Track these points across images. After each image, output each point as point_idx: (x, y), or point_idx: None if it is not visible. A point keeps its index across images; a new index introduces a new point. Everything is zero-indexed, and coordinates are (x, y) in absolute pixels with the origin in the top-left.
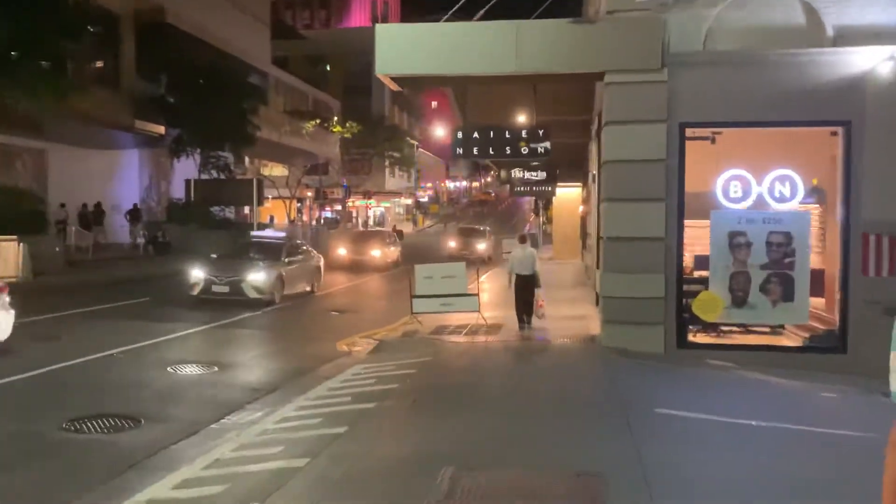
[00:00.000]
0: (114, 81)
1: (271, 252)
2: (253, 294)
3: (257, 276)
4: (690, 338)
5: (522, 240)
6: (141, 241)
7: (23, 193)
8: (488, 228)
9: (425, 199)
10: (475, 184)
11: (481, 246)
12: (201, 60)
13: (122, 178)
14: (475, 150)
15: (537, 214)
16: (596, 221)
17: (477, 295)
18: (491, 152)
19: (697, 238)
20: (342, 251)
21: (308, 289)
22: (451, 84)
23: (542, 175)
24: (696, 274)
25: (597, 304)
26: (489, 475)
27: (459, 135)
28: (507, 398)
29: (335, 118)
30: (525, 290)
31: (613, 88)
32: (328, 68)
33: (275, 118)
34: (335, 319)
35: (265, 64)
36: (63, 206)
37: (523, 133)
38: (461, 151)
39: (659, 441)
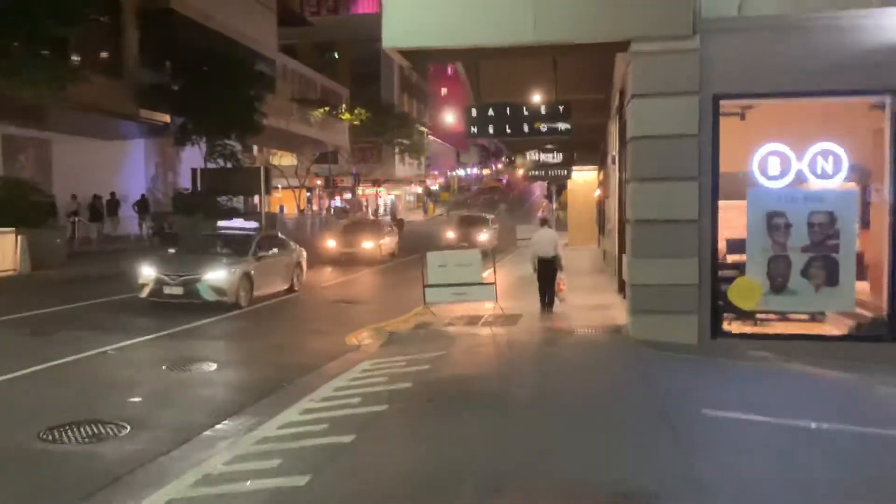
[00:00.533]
0: (117, 69)
1: (239, 246)
2: (211, 296)
3: (217, 275)
4: (725, 327)
5: (543, 222)
6: (149, 232)
7: (24, 185)
8: (492, 216)
9: (436, 187)
10: (486, 171)
11: (483, 236)
12: (206, 47)
13: (128, 169)
14: (490, 129)
15: (550, 200)
16: (617, 204)
17: (494, 284)
18: (508, 131)
19: (728, 220)
20: (332, 243)
21: (285, 287)
22: (463, 58)
23: (558, 157)
24: (730, 259)
25: (619, 291)
26: (519, 498)
27: (473, 112)
28: (533, 400)
29: (343, 106)
30: (547, 273)
31: (641, 59)
32: (336, 56)
33: (283, 106)
34: (322, 322)
35: (272, 51)
36: (75, 197)
37: (542, 110)
38: (475, 130)
39: (712, 451)
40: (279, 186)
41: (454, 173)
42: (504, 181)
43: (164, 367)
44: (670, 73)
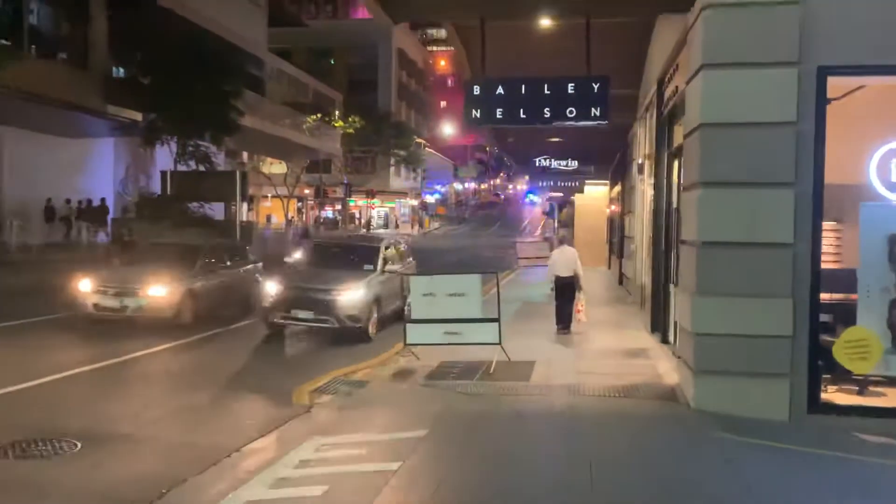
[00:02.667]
0: (81, 59)
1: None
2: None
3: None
4: (824, 395)
5: (563, 241)
6: (105, 239)
7: None
8: (400, 243)
9: (432, 201)
10: (483, 186)
11: (350, 294)
12: (181, 38)
13: (93, 170)
14: (499, 113)
15: (551, 216)
16: (648, 221)
17: (497, 320)
18: (522, 116)
19: (827, 244)
20: (85, 287)
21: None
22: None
23: (572, 164)
24: (827, 297)
25: (653, 330)
26: None
27: (476, 90)
28: None
29: (337, 112)
30: (565, 294)
31: (717, 14)
32: (332, 62)
33: (272, 109)
34: (269, 366)
35: (261, 50)
36: (69, 201)
37: (569, 88)
38: (478, 115)
39: None
40: (269, 195)
41: (449, 185)
42: (502, 196)
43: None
44: (759, 34)
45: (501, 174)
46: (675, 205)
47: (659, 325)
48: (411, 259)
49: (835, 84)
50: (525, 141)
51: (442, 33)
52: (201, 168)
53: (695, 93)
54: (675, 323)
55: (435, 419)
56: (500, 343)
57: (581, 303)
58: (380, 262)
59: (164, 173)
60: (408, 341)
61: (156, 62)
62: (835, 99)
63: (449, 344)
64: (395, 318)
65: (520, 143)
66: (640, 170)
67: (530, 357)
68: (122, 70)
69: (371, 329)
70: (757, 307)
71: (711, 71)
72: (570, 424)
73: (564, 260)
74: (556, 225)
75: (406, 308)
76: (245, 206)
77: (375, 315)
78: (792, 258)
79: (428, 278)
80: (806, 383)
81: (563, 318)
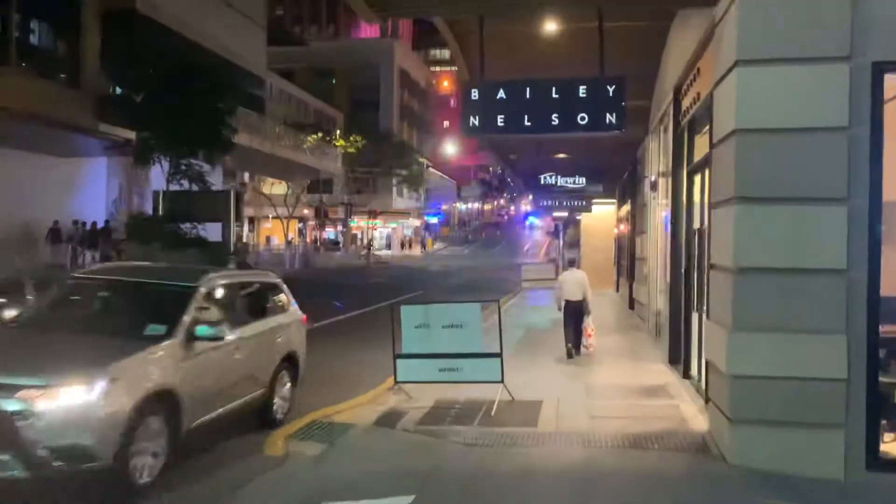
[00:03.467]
0: (73, 77)
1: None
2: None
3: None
4: (884, 448)
5: (571, 263)
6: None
7: None
8: (258, 280)
9: (435, 221)
10: (487, 206)
11: (75, 388)
12: (175, 55)
13: (85, 191)
14: (500, 121)
15: (556, 236)
16: (665, 243)
17: (500, 355)
18: (527, 124)
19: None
20: None
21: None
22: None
23: (580, 182)
24: (886, 330)
25: (672, 363)
26: None
27: (474, 94)
28: None
29: (338, 132)
30: (573, 318)
31: (753, 2)
32: (334, 82)
33: (272, 129)
34: None
35: (260, 69)
36: (76, 223)
37: (580, 91)
38: (476, 122)
39: None
40: (269, 216)
41: (452, 205)
42: (505, 217)
43: None
44: (804, 24)
45: (505, 195)
46: (695, 224)
47: (678, 356)
48: (291, 306)
49: (893, 82)
50: (529, 157)
51: (445, 54)
52: (195, 188)
53: (727, 95)
54: (700, 356)
55: (424, 479)
56: (502, 381)
57: (591, 328)
58: (186, 318)
59: (156, 193)
60: (398, 378)
61: (148, 78)
62: (893, 99)
63: (444, 382)
64: (244, 415)
65: (523, 159)
66: (654, 187)
67: (536, 395)
68: (116, 88)
69: (141, 473)
70: (804, 345)
71: (747, 68)
72: (586, 488)
73: (573, 282)
74: (561, 245)
75: (275, 403)
76: (241, 226)
77: (164, 437)
78: (845, 286)
79: (422, 308)
80: (863, 435)
81: (573, 341)
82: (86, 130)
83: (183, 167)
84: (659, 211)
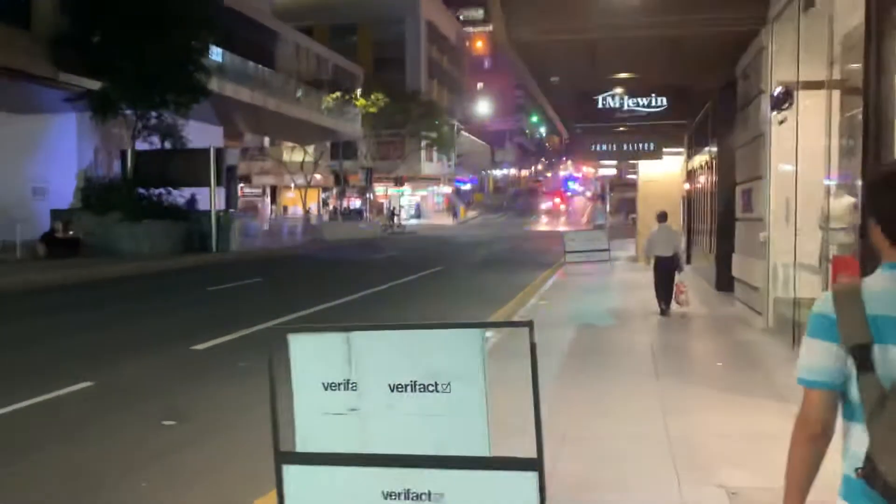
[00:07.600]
0: (22, 15)
1: None
2: None
3: None
4: None
5: (662, 217)
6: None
7: None
8: None
9: (467, 188)
10: (524, 172)
11: None
12: None
13: (51, 153)
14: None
15: (602, 199)
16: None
17: (538, 464)
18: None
19: None
20: None
21: None
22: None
23: (659, 103)
24: None
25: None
26: None
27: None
28: None
29: (359, 90)
30: (664, 274)
31: None
32: (355, 38)
33: (283, 85)
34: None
35: (264, 17)
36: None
37: None
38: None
39: None
40: (291, 185)
41: (489, 173)
42: (542, 183)
43: None
44: None
45: (542, 159)
46: None
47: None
48: None
49: None
50: (578, 77)
51: (479, 13)
52: (166, 145)
53: None
54: None
55: None
56: None
57: (683, 284)
58: None
59: (123, 153)
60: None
61: (106, 14)
62: None
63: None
64: None
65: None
66: (779, 103)
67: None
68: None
69: None
70: None
71: None
72: None
73: (663, 239)
74: (606, 210)
75: None
76: (223, 191)
77: None
78: None
79: (341, 337)
80: None
81: (664, 297)
82: (43, 79)
83: (153, 120)
84: (790, 140)
